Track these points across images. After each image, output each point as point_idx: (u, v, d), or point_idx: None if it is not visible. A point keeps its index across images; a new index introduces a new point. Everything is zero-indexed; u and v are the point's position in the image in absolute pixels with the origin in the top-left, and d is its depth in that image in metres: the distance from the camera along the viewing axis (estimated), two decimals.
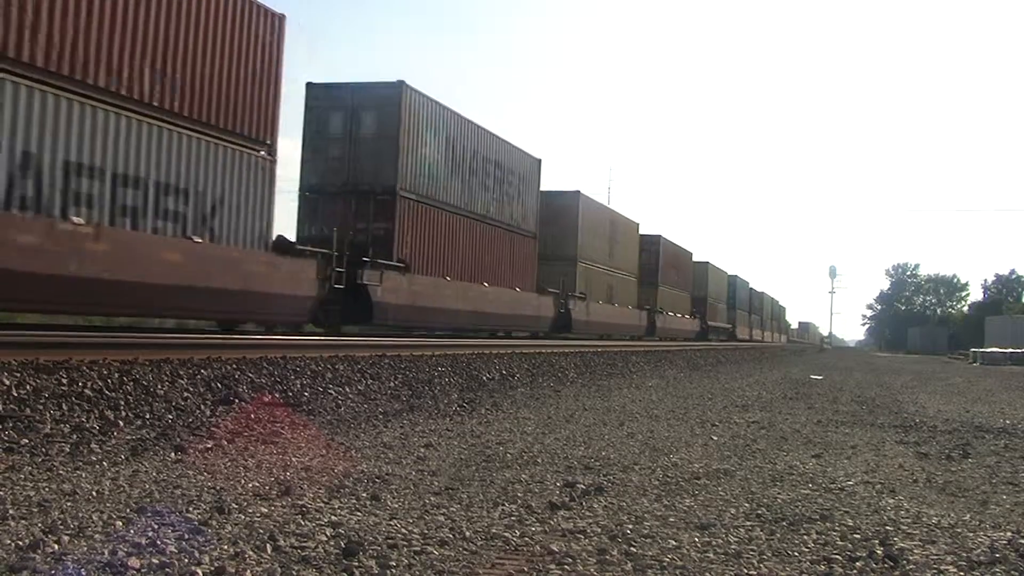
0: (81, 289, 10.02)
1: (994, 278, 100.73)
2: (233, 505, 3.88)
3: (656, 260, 39.13)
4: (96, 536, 3.29)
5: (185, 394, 7.36)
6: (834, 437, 7.56)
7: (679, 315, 43.39)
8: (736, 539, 3.69)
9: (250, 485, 4.36)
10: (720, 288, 56.17)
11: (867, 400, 12.42)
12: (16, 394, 6.22)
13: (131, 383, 7.22)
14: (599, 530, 3.75)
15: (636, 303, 35.48)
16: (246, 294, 12.63)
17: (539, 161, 25.81)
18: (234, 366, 8.80)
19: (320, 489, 4.34)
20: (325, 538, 3.42)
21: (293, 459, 5.19)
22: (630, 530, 3.77)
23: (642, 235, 37.90)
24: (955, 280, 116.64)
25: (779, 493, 4.77)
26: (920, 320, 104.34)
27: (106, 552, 3.06)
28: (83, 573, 2.86)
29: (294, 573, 3.00)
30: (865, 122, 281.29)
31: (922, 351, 70.13)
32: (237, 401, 7.47)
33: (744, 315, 65.63)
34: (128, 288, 10.58)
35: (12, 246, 9.19)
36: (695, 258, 49.76)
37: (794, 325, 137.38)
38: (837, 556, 3.46)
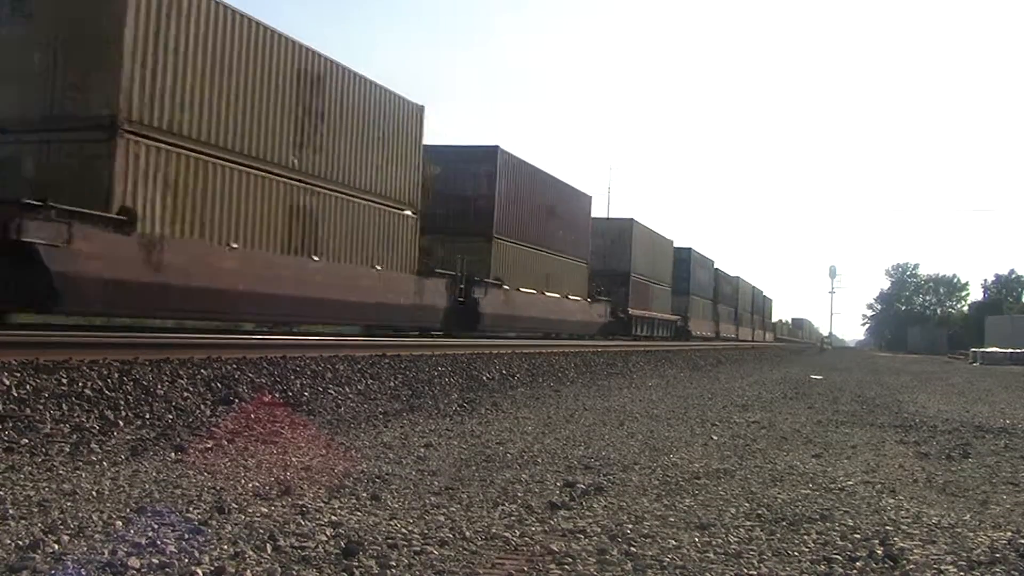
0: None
1: (994, 278, 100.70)
2: (233, 505, 3.87)
3: (490, 192, 22.48)
4: (96, 536, 3.29)
5: (185, 394, 7.36)
6: (834, 437, 7.56)
7: (558, 295, 26.64)
8: (736, 539, 3.69)
9: (250, 485, 4.36)
10: (660, 263, 40.49)
11: (867, 400, 12.42)
12: (16, 394, 6.22)
13: (131, 383, 7.22)
14: (599, 530, 3.75)
15: (414, 265, 18.27)
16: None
17: None
18: (234, 366, 8.80)
19: (320, 489, 4.34)
20: (325, 538, 3.42)
21: (293, 459, 5.19)
22: (630, 530, 3.77)
23: (449, 146, 22.36)
24: (955, 280, 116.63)
25: (779, 493, 4.77)
26: (920, 320, 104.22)
27: (106, 552, 3.06)
28: (83, 573, 2.86)
29: (294, 573, 3.00)
30: (865, 122, 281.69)
31: (922, 351, 69.93)
32: (237, 401, 7.47)
33: (704, 305, 50.53)
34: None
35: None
36: (612, 213, 36.42)
37: (787, 321, 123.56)
38: (837, 556, 3.46)
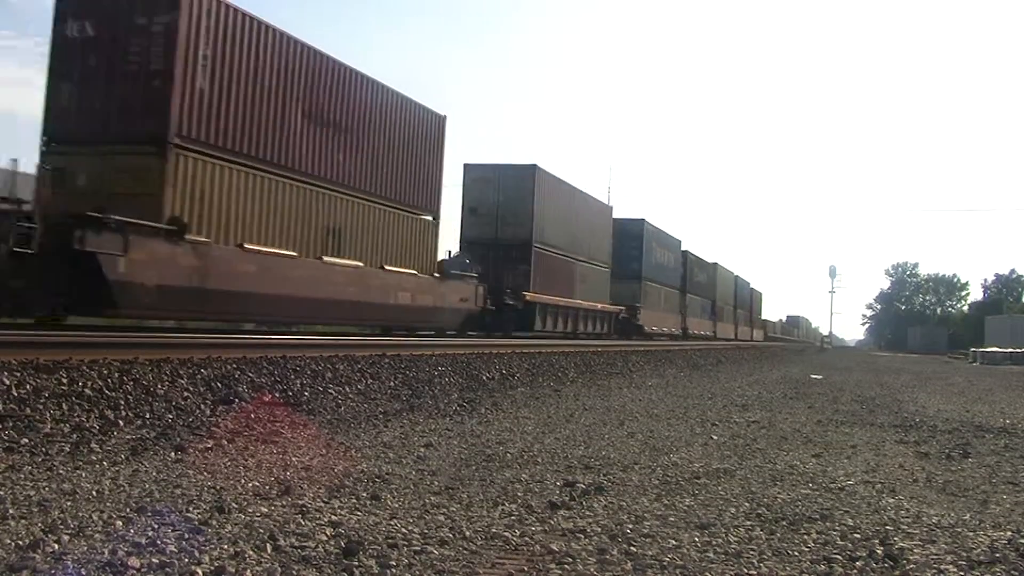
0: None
1: (994, 278, 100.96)
2: (233, 505, 3.88)
3: (167, 63, 12.50)
4: (96, 536, 3.29)
5: (185, 394, 7.36)
6: (834, 437, 7.56)
7: (360, 264, 16.67)
8: (736, 539, 3.69)
9: (250, 485, 4.36)
10: (591, 235, 29.79)
11: (867, 400, 12.42)
12: (16, 394, 6.22)
13: (131, 383, 7.21)
14: (599, 530, 3.75)
15: None
16: None
17: None
18: (234, 366, 8.80)
19: (320, 489, 4.34)
20: (325, 538, 3.42)
21: (293, 459, 5.19)
22: (630, 530, 3.77)
23: None
24: (955, 280, 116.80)
25: (779, 493, 4.77)
26: (920, 320, 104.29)
27: (106, 552, 3.06)
28: (83, 573, 2.86)
29: (294, 573, 3.00)
30: (865, 122, 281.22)
31: (922, 351, 69.94)
32: (237, 401, 7.47)
33: (667, 294, 39.82)
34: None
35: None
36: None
37: (781, 318, 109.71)
38: (837, 556, 3.46)
